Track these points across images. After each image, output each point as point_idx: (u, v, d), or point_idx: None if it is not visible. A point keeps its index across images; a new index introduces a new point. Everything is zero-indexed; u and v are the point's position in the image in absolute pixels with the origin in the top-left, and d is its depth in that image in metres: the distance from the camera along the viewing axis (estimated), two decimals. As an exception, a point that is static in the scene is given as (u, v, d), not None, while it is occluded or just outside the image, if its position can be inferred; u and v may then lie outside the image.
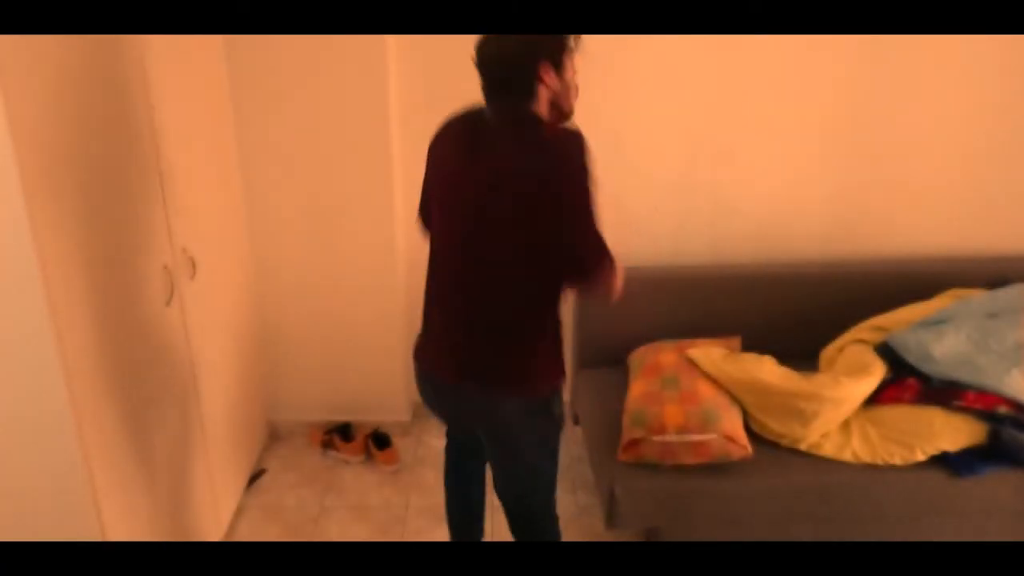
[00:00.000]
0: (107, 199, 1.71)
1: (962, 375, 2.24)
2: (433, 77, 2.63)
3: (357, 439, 2.89)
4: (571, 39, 1.65)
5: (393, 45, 2.58)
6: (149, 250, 1.91)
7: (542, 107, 1.67)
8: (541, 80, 1.63)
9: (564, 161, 1.59)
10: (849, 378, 2.25)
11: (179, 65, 2.11)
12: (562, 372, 1.83)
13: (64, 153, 1.55)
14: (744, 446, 2.18)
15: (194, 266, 2.15)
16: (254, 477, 2.79)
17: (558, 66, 1.64)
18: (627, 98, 2.67)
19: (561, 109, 1.70)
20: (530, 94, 1.65)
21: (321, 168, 2.67)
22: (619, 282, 1.69)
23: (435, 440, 2.99)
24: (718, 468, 2.19)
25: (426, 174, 1.84)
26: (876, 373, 2.29)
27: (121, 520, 1.77)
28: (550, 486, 1.96)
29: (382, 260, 2.80)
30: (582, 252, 1.63)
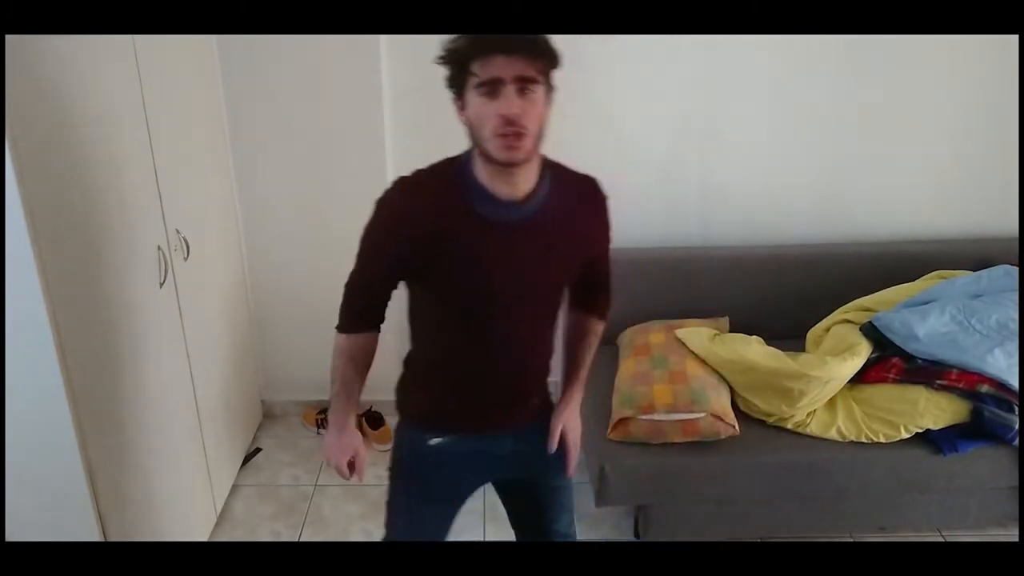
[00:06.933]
0: (101, 180, 1.72)
1: (946, 354, 2.27)
2: (427, 60, 2.62)
3: (350, 419, 2.91)
4: (476, 67, 1.32)
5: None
6: (143, 231, 1.92)
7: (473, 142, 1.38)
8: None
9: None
10: (835, 358, 2.27)
11: (171, 51, 2.11)
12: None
13: (58, 137, 1.56)
14: (731, 424, 2.21)
15: (187, 247, 2.16)
16: (249, 456, 2.82)
17: (458, 96, 1.37)
18: (616, 78, 2.66)
19: (485, 152, 1.33)
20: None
21: (312, 152, 2.66)
22: None
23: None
24: (706, 446, 2.22)
25: None
26: (861, 353, 2.31)
27: (115, 499, 1.79)
28: None
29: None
30: None
